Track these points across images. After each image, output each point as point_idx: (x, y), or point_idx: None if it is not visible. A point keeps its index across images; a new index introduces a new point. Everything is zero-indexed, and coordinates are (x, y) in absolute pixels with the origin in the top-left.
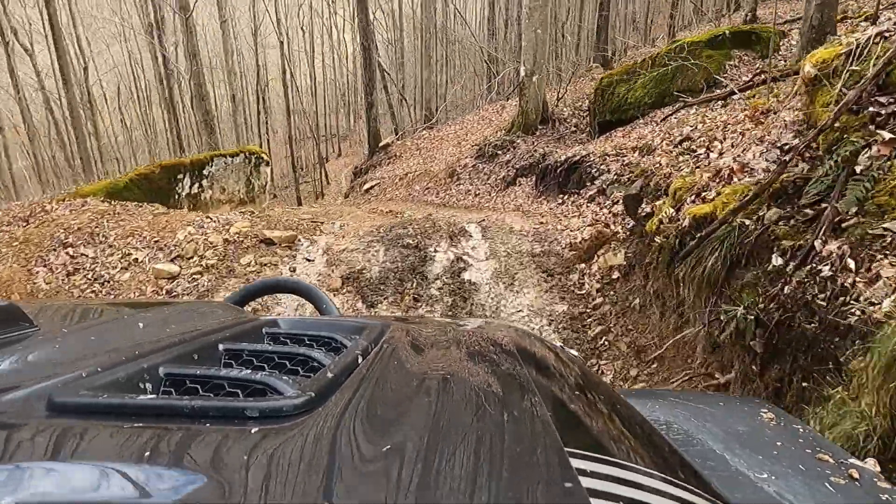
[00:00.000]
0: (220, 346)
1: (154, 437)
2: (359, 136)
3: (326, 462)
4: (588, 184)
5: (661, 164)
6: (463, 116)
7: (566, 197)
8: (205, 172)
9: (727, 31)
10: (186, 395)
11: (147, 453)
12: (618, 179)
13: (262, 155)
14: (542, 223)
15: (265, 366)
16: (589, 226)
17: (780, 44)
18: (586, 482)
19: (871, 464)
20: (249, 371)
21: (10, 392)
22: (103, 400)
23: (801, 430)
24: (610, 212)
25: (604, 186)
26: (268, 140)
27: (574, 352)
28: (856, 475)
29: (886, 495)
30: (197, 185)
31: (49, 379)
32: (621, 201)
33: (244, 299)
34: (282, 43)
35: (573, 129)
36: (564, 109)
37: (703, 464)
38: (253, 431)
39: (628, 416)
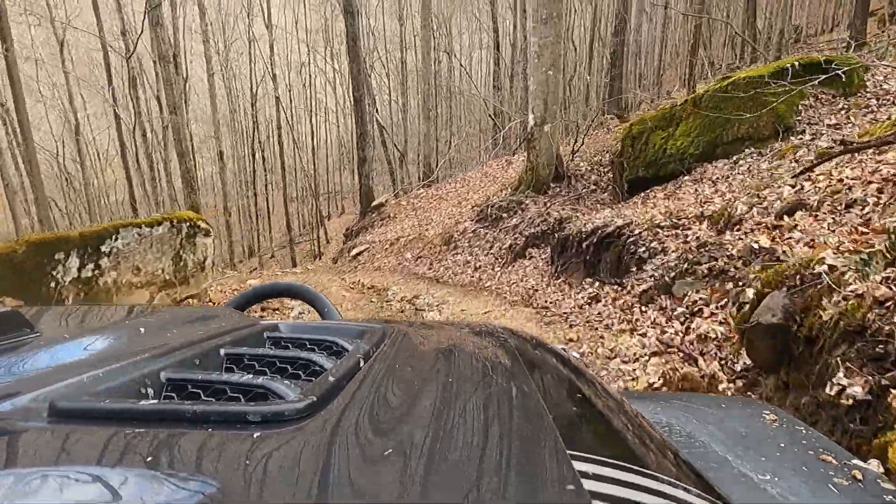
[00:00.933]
0: (222, 351)
1: (156, 443)
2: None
3: (328, 466)
4: (634, 269)
5: (766, 247)
6: (465, 173)
7: (600, 285)
8: (104, 249)
9: (796, 63)
10: (188, 400)
11: (149, 458)
12: (688, 268)
13: (200, 223)
14: (570, 338)
15: (267, 370)
16: (655, 354)
17: (866, 79)
18: (588, 484)
19: (875, 465)
20: (251, 376)
21: (11, 398)
22: (105, 405)
23: (804, 431)
24: (686, 328)
25: (664, 277)
26: (266, 198)
27: (576, 353)
28: (859, 476)
29: (890, 496)
30: (91, 265)
31: (51, 384)
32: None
33: (245, 304)
34: (277, 99)
35: (592, 186)
36: (581, 164)
37: (705, 465)
38: (255, 436)
39: (630, 418)
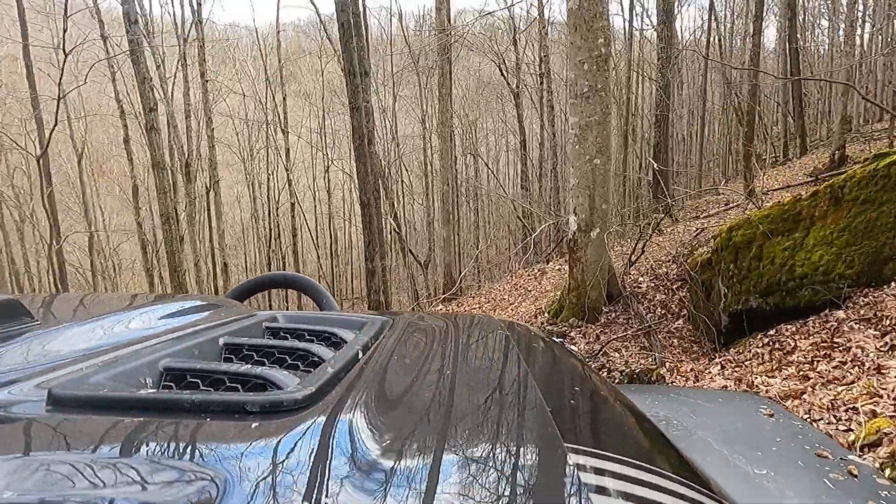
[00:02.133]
0: (221, 341)
1: (154, 432)
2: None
3: (327, 456)
4: None
5: None
6: (491, 284)
7: None
8: None
9: None
10: (187, 389)
11: (147, 447)
12: None
13: None
14: None
15: (265, 360)
16: None
17: None
18: (586, 477)
19: (870, 460)
20: (250, 366)
21: (10, 386)
22: (104, 394)
23: (800, 426)
24: None
25: None
26: (286, 308)
27: (574, 347)
28: (854, 471)
29: (885, 491)
30: None
31: (50, 373)
32: None
33: (244, 294)
34: (293, 205)
35: (660, 311)
36: (640, 279)
37: (702, 459)
38: (253, 426)
39: (628, 411)
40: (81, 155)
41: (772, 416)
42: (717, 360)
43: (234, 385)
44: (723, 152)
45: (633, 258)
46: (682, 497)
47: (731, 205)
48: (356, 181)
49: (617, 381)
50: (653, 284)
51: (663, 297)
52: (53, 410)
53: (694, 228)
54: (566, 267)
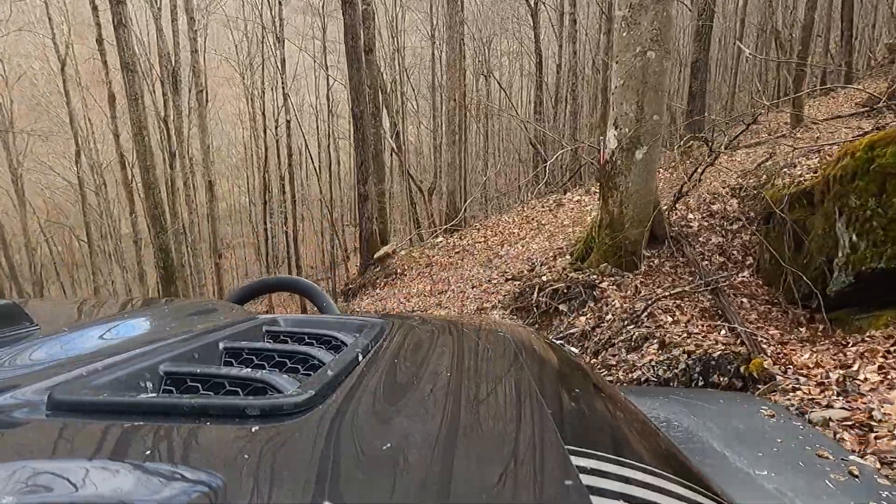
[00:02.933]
0: (221, 345)
1: (155, 436)
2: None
3: (327, 460)
4: None
5: None
6: (499, 216)
7: None
8: None
9: None
10: (187, 393)
11: (148, 452)
12: None
13: None
14: None
15: (265, 364)
16: None
17: None
18: (586, 479)
19: (871, 461)
20: (249, 369)
21: (10, 391)
22: (104, 399)
23: (801, 426)
24: None
25: None
26: (294, 231)
27: (574, 349)
28: (855, 472)
29: (886, 492)
30: None
31: (50, 377)
32: None
33: (244, 297)
34: (289, 122)
35: (719, 258)
36: (691, 218)
37: (703, 461)
38: (254, 430)
39: (628, 413)
40: (64, 62)
41: (772, 416)
42: (825, 341)
43: (234, 389)
44: (759, 78)
45: (686, 189)
46: (682, 499)
47: (777, 134)
48: (348, 91)
49: (682, 368)
50: (706, 224)
51: (720, 240)
52: (53, 415)
53: (758, 155)
54: (588, 199)
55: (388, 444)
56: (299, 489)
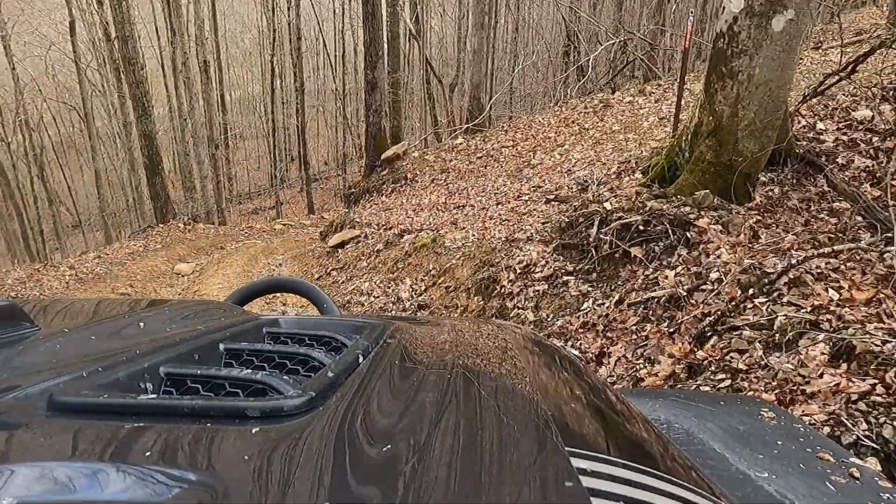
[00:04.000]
0: (221, 346)
1: (155, 437)
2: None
3: (327, 462)
4: None
5: None
6: (531, 116)
7: None
8: None
9: None
10: (187, 394)
11: (148, 453)
12: None
13: None
14: None
15: (266, 365)
16: None
17: None
18: (587, 481)
19: (873, 463)
20: (250, 371)
21: (10, 392)
22: (104, 400)
23: (802, 429)
24: None
25: None
26: (301, 123)
27: (575, 351)
28: (856, 474)
29: (887, 494)
30: None
31: (50, 379)
32: None
33: (245, 299)
34: None
35: (868, 190)
36: (822, 129)
37: (704, 463)
38: (254, 431)
39: (628, 415)
40: None
41: (773, 418)
42: None
43: (234, 390)
44: None
45: (827, 83)
46: (683, 501)
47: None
48: None
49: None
50: (845, 138)
51: (869, 163)
52: (53, 416)
53: None
54: (643, 100)
55: (388, 446)
56: (299, 490)
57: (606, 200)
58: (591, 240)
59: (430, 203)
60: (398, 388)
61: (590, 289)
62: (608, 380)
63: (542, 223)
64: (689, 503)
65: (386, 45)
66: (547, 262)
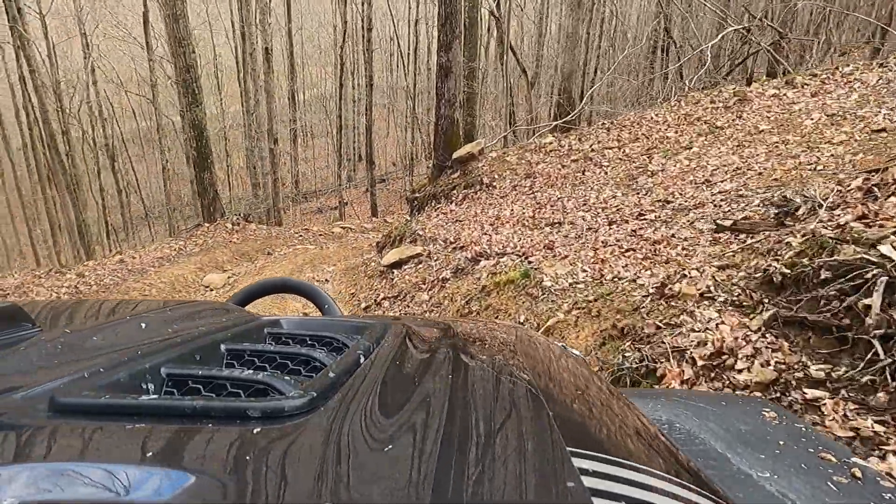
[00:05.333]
0: (222, 347)
1: (156, 438)
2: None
3: (328, 462)
4: None
5: None
6: (639, 113)
7: None
8: None
9: None
10: (188, 395)
11: (149, 454)
12: None
13: None
14: None
15: (267, 366)
16: None
17: None
18: (588, 481)
19: (875, 463)
20: (251, 371)
21: (11, 393)
22: (105, 400)
23: (804, 429)
24: None
25: None
26: (369, 120)
27: (577, 351)
28: (858, 474)
29: (889, 494)
30: None
31: (51, 380)
32: None
33: (246, 299)
34: None
35: None
36: None
37: (705, 463)
38: (255, 432)
39: (630, 415)
40: None
41: (775, 418)
42: None
43: (236, 391)
44: None
45: None
46: (684, 501)
47: None
48: None
49: None
50: None
51: None
52: (54, 417)
53: None
54: (793, 94)
55: (390, 446)
56: (301, 491)
57: (880, 242)
58: (862, 318)
59: (513, 216)
60: (399, 389)
61: (878, 427)
62: None
63: (719, 266)
64: (691, 503)
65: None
66: (758, 353)
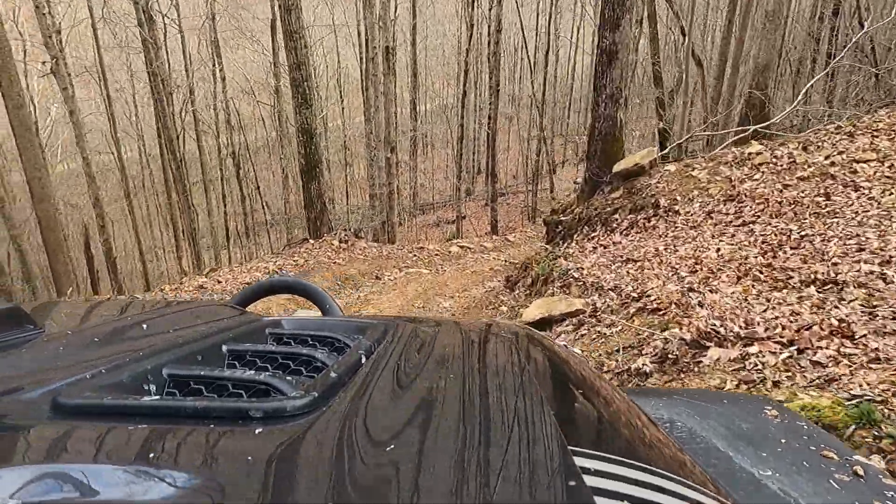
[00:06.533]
0: (224, 347)
1: (158, 439)
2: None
3: (330, 462)
4: None
5: None
6: (883, 112)
7: None
8: None
9: None
10: (190, 396)
11: (151, 454)
12: None
13: None
14: None
15: (268, 366)
16: None
17: None
18: (590, 480)
19: (876, 460)
20: (253, 372)
21: (14, 394)
22: (107, 401)
23: (805, 427)
24: None
25: None
26: (493, 129)
27: (577, 350)
28: (860, 472)
29: (891, 492)
30: None
31: (53, 381)
32: None
33: (247, 300)
34: None
35: None
36: None
37: (707, 461)
38: (257, 432)
39: (631, 413)
40: None
41: (777, 416)
42: None
43: (237, 391)
44: None
45: None
46: (687, 499)
47: None
48: None
49: None
50: None
51: None
52: (57, 418)
53: None
54: None
55: (391, 446)
56: (303, 491)
57: None
58: None
59: (724, 259)
60: (401, 389)
61: None
62: None
63: None
64: (693, 502)
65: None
66: None
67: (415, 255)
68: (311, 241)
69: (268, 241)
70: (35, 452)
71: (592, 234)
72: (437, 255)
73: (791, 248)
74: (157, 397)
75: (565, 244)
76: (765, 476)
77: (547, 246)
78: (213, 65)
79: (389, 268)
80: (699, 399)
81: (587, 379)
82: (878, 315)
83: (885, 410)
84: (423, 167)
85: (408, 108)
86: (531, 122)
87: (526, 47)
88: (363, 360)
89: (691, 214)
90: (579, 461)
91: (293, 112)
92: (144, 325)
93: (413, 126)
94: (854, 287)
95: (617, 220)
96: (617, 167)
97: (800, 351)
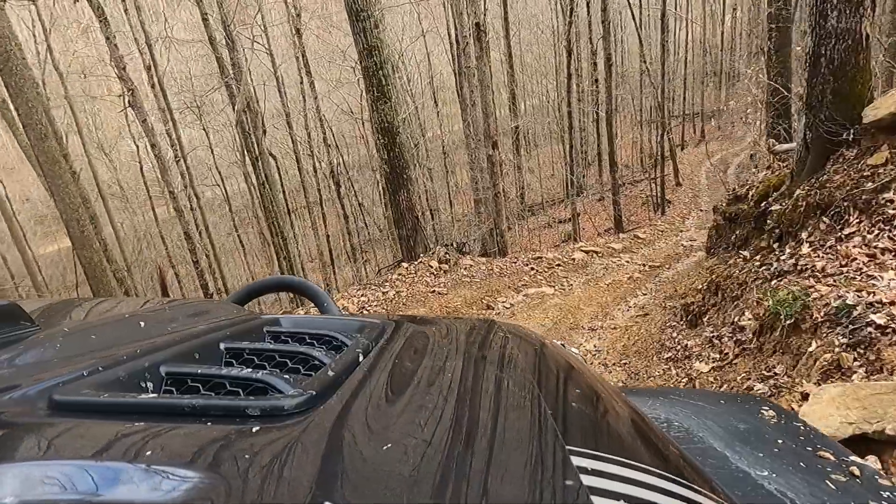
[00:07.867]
0: (222, 345)
1: (155, 436)
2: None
3: (327, 460)
4: None
5: None
6: None
7: None
8: None
9: None
10: (187, 393)
11: (148, 452)
12: None
13: None
14: None
15: (266, 364)
16: None
17: None
18: (587, 480)
19: (872, 461)
20: (250, 370)
21: (10, 391)
22: (104, 399)
23: (802, 427)
24: None
25: None
26: (609, 113)
27: (575, 350)
28: (856, 472)
29: (887, 493)
30: None
31: (50, 378)
32: None
33: (246, 297)
34: None
35: None
36: None
37: (704, 461)
38: (254, 430)
39: (629, 413)
40: None
41: (774, 417)
42: None
43: (235, 389)
44: None
45: None
46: (684, 499)
47: None
48: None
49: None
50: None
51: None
52: (53, 415)
53: None
54: None
55: (388, 445)
56: (300, 489)
57: None
58: None
59: None
60: (398, 387)
61: None
62: None
63: None
64: (689, 501)
65: None
66: None
67: (532, 269)
68: (406, 263)
69: (374, 261)
70: (31, 450)
71: (846, 231)
72: (558, 265)
73: None
74: (155, 395)
75: (787, 248)
76: (761, 476)
77: (743, 254)
78: (301, 82)
79: (503, 290)
80: (696, 399)
81: (585, 378)
82: None
83: None
84: (528, 165)
85: (506, 108)
86: (643, 103)
87: (634, 18)
88: (361, 358)
89: None
90: (577, 460)
91: (368, 108)
92: (142, 323)
93: (514, 124)
94: None
95: (885, 200)
96: (869, 114)
97: None
